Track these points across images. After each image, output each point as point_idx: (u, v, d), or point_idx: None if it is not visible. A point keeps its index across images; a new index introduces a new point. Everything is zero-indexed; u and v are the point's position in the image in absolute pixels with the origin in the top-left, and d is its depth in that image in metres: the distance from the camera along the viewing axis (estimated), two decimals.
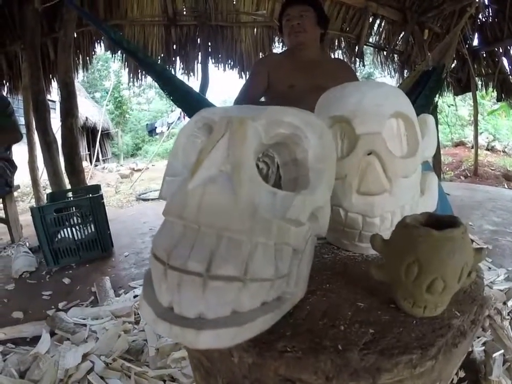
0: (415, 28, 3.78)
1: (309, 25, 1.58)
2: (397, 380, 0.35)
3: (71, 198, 2.36)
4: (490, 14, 3.99)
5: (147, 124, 10.94)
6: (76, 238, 2.00)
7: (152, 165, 9.41)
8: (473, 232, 2.14)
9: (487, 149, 7.43)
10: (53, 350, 1.19)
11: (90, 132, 10.24)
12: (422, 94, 1.94)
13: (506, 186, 5.08)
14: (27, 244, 2.28)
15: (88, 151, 10.34)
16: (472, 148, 5.11)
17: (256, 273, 0.33)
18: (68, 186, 2.81)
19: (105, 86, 14.28)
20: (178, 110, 10.72)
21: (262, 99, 1.70)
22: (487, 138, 7.80)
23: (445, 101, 6.87)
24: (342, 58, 4.10)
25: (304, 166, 0.41)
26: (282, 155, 0.44)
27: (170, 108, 11.05)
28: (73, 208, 2.09)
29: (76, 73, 3.32)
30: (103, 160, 10.96)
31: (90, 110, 9.92)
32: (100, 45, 3.32)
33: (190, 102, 1.65)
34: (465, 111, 8.58)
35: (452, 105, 7.58)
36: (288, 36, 1.60)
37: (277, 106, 0.39)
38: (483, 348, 1.13)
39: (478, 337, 1.16)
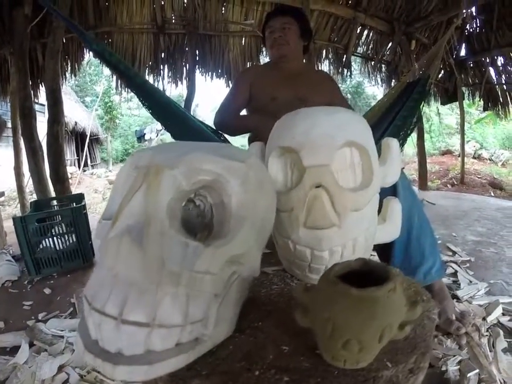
0: (403, 38, 3.86)
1: (292, 37, 1.57)
2: None
3: (55, 207, 2.33)
4: (478, 24, 4.08)
5: (136, 130, 10.87)
6: (58, 248, 1.97)
7: None
8: (457, 244, 2.15)
9: (474, 157, 7.55)
10: (31, 361, 1.21)
11: (80, 136, 10.13)
12: (405, 105, 1.93)
13: (492, 194, 5.16)
14: (10, 252, 2.25)
15: (77, 156, 10.21)
16: (459, 156, 5.18)
17: (163, 320, 0.35)
18: (53, 194, 2.76)
19: (97, 91, 14.17)
20: None
21: (244, 111, 1.69)
22: (474, 146, 7.93)
23: (432, 110, 6.98)
24: (329, 68, 4.15)
25: (228, 211, 0.41)
26: (211, 196, 0.44)
27: None
28: (56, 217, 2.06)
29: (64, 79, 3.30)
30: (92, 166, 10.81)
31: (80, 115, 9.80)
32: (89, 51, 3.30)
33: (169, 117, 1.62)
34: (453, 119, 8.73)
35: (440, 113, 7.69)
36: (270, 48, 1.60)
37: (197, 152, 0.39)
38: (458, 367, 1.09)
39: (454, 356, 1.12)
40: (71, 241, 2.03)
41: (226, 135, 1.78)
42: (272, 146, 0.56)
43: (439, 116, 7.67)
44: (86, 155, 9.46)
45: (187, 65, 3.49)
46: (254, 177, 0.42)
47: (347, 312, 0.35)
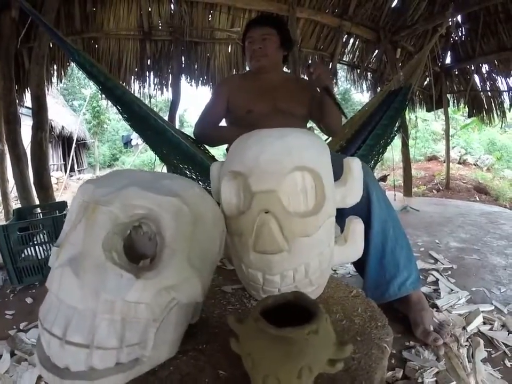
0: (388, 46, 3.92)
1: (271, 49, 1.56)
2: None
3: (39, 215, 2.30)
4: (463, 32, 4.17)
5: (123, 136, 10.78)
6: (40, 257, 1.94)
7: None
8: (439, 251, 2.17)
9: (459, 163, 7.69)
10: (12, 370, 1.22)
11: (66, 141, 9.98)
12: (386, 114, 1.95)
13: (477, 198, 5.24)
14: None
15: (64, 161, 10.04)
16: (445, 162, 5.26)
17: (100, 342, 0.39)
18: (37, 201, 2.73)
19: (85, 94, 14.01)
20: None
21: (224, 122, 1.70)
22: (459, 152, 8.08)
23: (418, 116, 7.08)
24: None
25: (163, 241, 0.43)
26: (153, 226, 0.45)
27: None
28: (39, 226, 2.03)
29: (50, 84, 3.27)
30: (79, 171, 10.66)
31: (67, 119, 9.65)
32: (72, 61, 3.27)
33: (147, 128, 1.60)
34: (438, 126, 8.87)
35: (426, 120, 7.82)
36: (249, 59, 1.59)
37: (133, 187, 0.42)
38: (435, 378, 1.08)
39: (431, 368, 1.11)
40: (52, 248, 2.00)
41: (206, 146, 1.78)
42: (225, 169, 0.57)
43: (424, 122, 7.79)
44: (72, 160, 9.34)
45: (173, 72, 3.48)
46: (188, 211, 0.44)
47: (264, 349, 0.35)
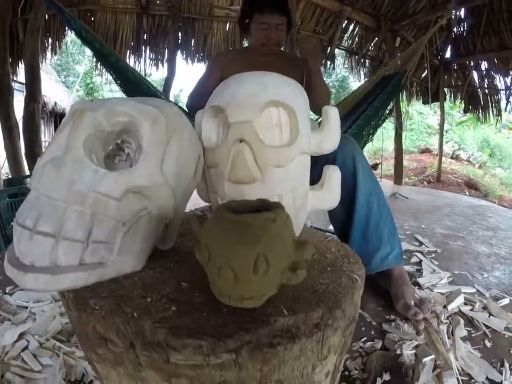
0: (388, 35, 3.88)
1: (283, 38, 1.58)
2: (191, 363, 0.36)
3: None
4: (465, 28, 4.14)
5: None
6: None
7: None
8: (425, 235, 2.21)
9: (452, 157, 7.75)
10: None
11: (59, 117, 9.85)
12: (379, 96, 1.97)
13: (467, 193, 5.31)
14: None
15: None
16: (437, 155, 5.31)
17: (67, 233, 0.41)
18: (28, 172, 2.71)
19: (78, 71, 13.75)
20: None
21: None
22: (453, 147, 8.13)
23: (414, 109, 7.10)
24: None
25: (141, 150, 0.46)
26: (133, 141, 0.48)
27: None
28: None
29: (44, 57, 3.21)
30: None
31: (60, 95, 9.38)
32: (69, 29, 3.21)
33: (140, 95, 1.61)
34: (434, 120, 8.91)
35: (422, 113, 7.83)
36: (259, 43, 1.58)
37: (118, 97, 0.47)
38: (414, 351, 1.10)
39: (410, 340, 1.14)
40: None
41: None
42: (206, 107, 0.61)
43: (420, 115, 7.80)
44: None
45: (169, 47, 3.44)
46: (165, 121, 0.47)
47: (219, 236, 0.36)
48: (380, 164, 3.62)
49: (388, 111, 1.98)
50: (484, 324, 1.28)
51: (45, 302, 1.43)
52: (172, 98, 3.37)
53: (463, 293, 1.44)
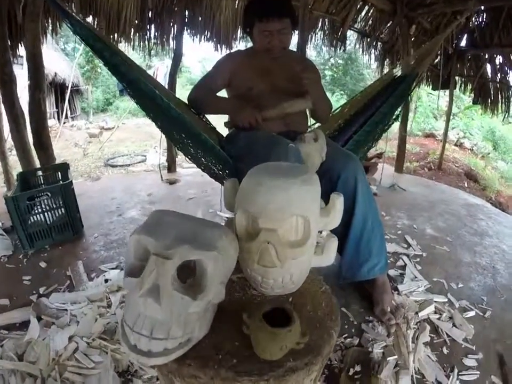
0: (403, 21, 3.73)
1: (287, 40, 1.61)
2: None
3: (41, 178, 2.38)
4: (484, 19, 3.98)
5: (117, 83, 10.33)
6: (48, 222, 2.08)
7: (123, 123, 9.05)
8: (415, 236, 2.30)
9: (456, 145, 7.68)
10: (42, 334, 1.37)
11: (59, 87, 9.58)
12: (387, 102, 1.92)
13: (466, 185, 5.34)
14: (0, 224, 2.29)
15: (56, 108, 9.73)
16: (441, 141, 5.27)
17: (172, 335, 0.64)
18: (37, 160, 2.76)
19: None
20: (152, 69, 10.16)
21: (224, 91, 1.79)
22: (458, 134, 8.03)
23: (424, 89, 6.93)
24: (323, 39, 4.07)
25: (205, 271, 0.66)
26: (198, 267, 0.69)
27: (144, 63, 10.13)
28: (47, 194, 2.14)
29: (45, 39, 3.10)
30: (72, 118, 10.34)
31: (60, 65, 9.20)
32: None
33: (152, 107, 1.60)
34: (443, 102, 8.70)
35: (430, 93, 7.64)
36: (263, 49, 1.60)
37: (185, 245, 0.64)
38: (382, 350, 1.31)
39: (381, 341, 1.35)
40: (59, 213, 2.13)
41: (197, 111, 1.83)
42: (239, 202, 0.79)
43: (429, 96, 7.61)
44: (66, 107, 9.04)
45: (175, 26, 3.36)
46: (221, 256, 0.67)
47: (263, 336, 0.65)
48: (383, 152, 3.62)
49: (394, 117, 1.96)
50: (446, 333, 1.45)
51: (82, 304, 1.56)
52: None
53: (435, 302, 1.62)
